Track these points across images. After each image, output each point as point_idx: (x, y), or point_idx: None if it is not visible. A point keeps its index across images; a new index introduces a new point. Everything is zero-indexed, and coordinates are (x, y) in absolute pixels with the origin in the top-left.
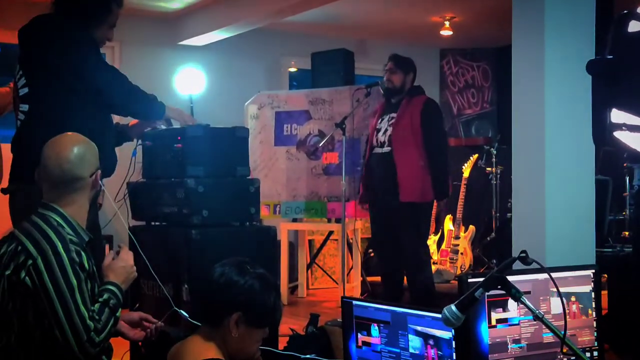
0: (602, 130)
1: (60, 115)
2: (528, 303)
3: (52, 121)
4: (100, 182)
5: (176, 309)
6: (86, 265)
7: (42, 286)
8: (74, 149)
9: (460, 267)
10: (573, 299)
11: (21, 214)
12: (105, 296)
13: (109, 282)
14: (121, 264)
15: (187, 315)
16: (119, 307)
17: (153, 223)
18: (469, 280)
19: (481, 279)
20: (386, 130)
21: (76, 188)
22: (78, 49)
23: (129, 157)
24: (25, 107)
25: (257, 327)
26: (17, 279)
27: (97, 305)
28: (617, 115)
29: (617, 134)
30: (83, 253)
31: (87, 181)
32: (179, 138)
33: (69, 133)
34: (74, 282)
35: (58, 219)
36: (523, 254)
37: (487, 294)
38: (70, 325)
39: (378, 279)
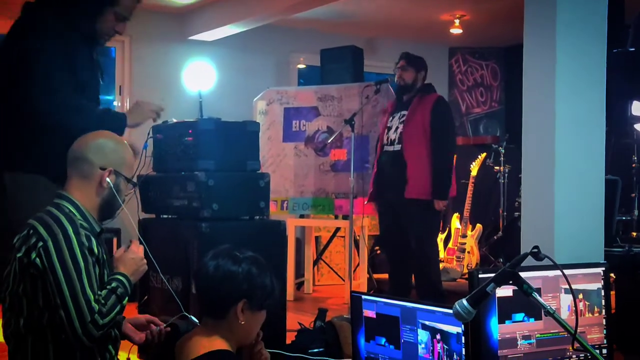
0: (621, 123)
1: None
2: (539, 299)
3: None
4: (108, 180)
5: (186, 314)
6: (95, 250)
7: (51, 267)
8: (99, 139)
9: (467, 266)
10: (580, 296)
11: None
12: (114, 284)
13: (118, 272)
14: (131, 256)
15: (197, 322)
16: (125, 297)
17: (163, 216)
18: (480, 275)
19: (492, 275)
20: (397, 128)
21: (84, 172)
22: (39, 67)
23: (139, 150)
24: None
25: (260, 309)
26: (27, 261)
27: (104, 292)
28: (637, 108)
29: (638, 127)
30: (93, 238)
31: (95, 170)
32: (190, 131)
33: (108, 132)
34: (82, 264)
35: (71, 207)
36: (535, 250)
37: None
38: (75, 305)
39: (384, 276)
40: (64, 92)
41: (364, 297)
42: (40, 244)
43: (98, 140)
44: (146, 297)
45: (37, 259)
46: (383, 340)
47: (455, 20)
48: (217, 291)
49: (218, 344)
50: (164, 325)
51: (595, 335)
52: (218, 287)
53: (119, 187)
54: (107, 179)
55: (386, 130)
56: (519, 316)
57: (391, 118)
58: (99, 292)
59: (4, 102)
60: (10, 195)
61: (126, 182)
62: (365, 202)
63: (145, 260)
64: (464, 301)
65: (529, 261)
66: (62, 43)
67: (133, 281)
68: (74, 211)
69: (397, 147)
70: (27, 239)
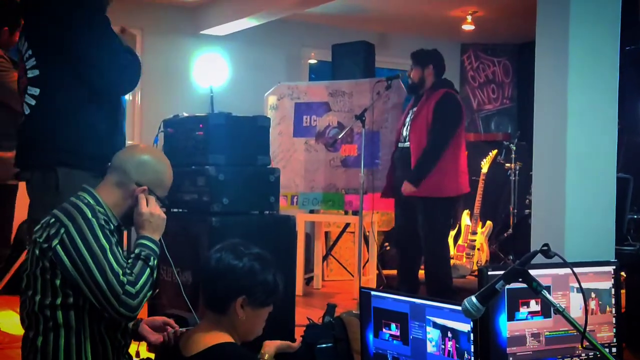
0: (632, 120)
1: (72, 109)
2: (549, 297)
3: (64, 113)
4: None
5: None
6: (115, 235)
7: (76, 250)
8: (145, 156)
9: (477, 263)
10: (593, 295)
11: (39, 199)
12: (137, 250)
13: (139, 236)
14: (141, 219)
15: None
16: (151, 257)
17: (173, 210)
18: (489, 272)
19: (501, 272)
20: (409, 125)
21: (119, 181)
22: (91, 29)
23: (150, 144)
24: (35, 90)
25: (262, 306)
26: (48, 246)
27: (130, 261)
28: None
29: None
30: (111, 224)
31: (130, 184)
32: (200, 126)
33: (156, 150)
34: (106, 244)
35: (90, 199)
36: (545, 247)
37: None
38: (107, 283)
39: (394, 272)
40: (122, 52)
41: (373, 293)
42: (63, 230)
43: (143, 156)
44: (157, 290)
45: (59, 246)
46: (387, 335)
47: (467, 17)
48: (217, 285)
49: (222, 337)
50: (180, 328)
51: (605, 333)
52: (218, 281)
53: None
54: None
55: (402, 127)
56: (523, 314)
57: (407, 114)
58: (125, 265)
59: (56, 69)
60: (64, 189)
61: (157, 200)
62: (380, 197)
63: (157, 212)
64: (473, 298)
65: (539, 259)
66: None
67: (157, 237)
68: (92, 202)
69: (407, 144)
70: (48, 225)
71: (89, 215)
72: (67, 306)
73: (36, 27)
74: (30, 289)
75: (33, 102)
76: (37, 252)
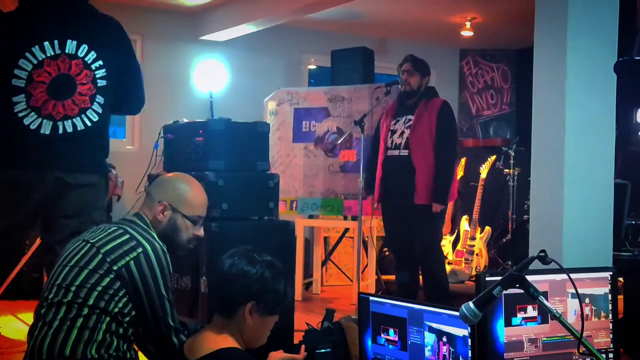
0: (627, 130)
1: (109, 117)
2: (546, 302)
3: (107, 126)
4: (162, 215)
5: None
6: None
7: (152, 273)
8: (167, 177)
9: (475, 268)
10: (587, 300)
11: (94, 200)
12: None
13: None
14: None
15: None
16: None
17: None
18: (487, 278)
19: (499, 278)
20: (402, 132)
21: (147, 204)
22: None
23: (150, 149)
24: (101, 99)
25: (270, 314)
26: (118, 257)
27: None
28: None
29: None
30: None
31: (154, 204)
32: (200, 132)
33: (183, 174)
34: (169, 278)
35: (144, 225)
36: (542, 254)
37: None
38: (171, 311)
39: (392, 277)
40: None
41: (371, 298)
42: (141, 249)
43: (165, 177)
44: None
45: (133, 262)
46: (382, 340)
47: (466, 23)
48: (228, 288)
49: (227, 341)
50: None
51: (602, 339)
52: (229, 285)
53: (175, 222)
54: (162, 214)
55: (390, 134)
56: (520, 319)
57: (395, 121)
58: None
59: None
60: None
61: (184, 219)
62: (375, 205)
63: None
64: (471, 304)
65: (537, 264)
66: None
67: None
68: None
69: (404, 152)
70: (117, 237)
71: (165, 248)
72: (94, 307)
73: (102, 37)
74: (67, 280)
75: (100, 111)
76: (98, 255)
